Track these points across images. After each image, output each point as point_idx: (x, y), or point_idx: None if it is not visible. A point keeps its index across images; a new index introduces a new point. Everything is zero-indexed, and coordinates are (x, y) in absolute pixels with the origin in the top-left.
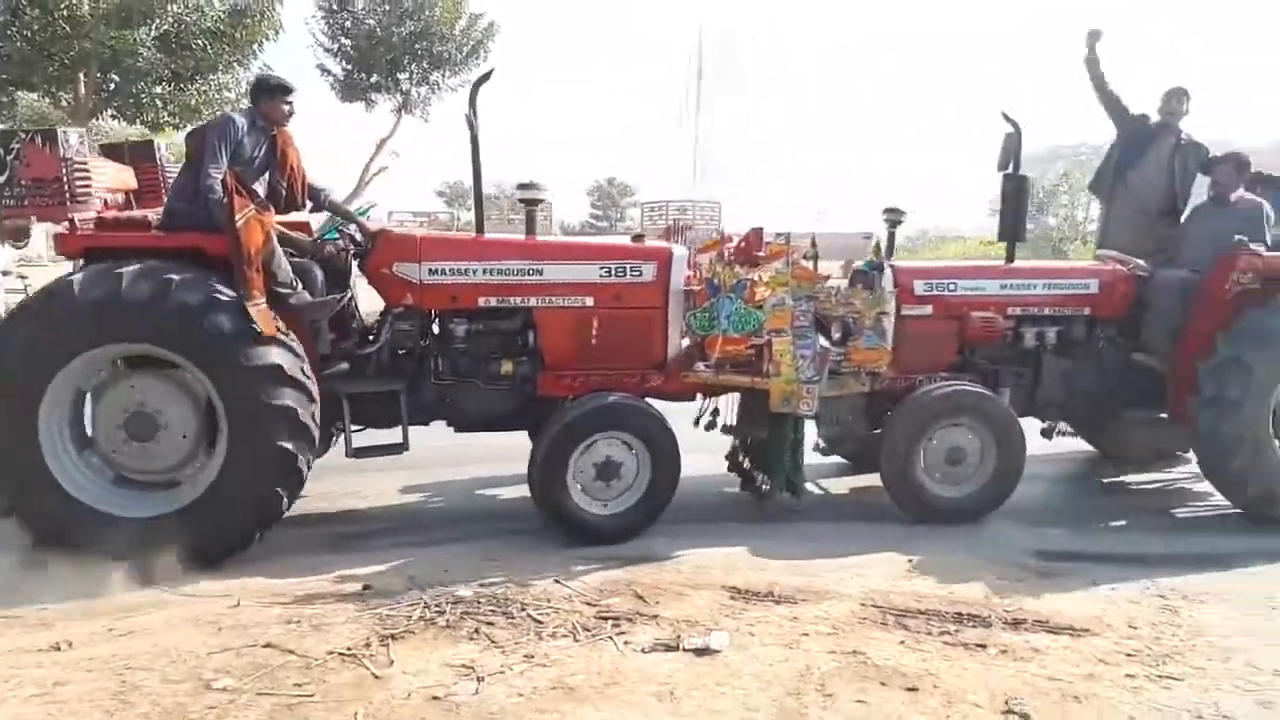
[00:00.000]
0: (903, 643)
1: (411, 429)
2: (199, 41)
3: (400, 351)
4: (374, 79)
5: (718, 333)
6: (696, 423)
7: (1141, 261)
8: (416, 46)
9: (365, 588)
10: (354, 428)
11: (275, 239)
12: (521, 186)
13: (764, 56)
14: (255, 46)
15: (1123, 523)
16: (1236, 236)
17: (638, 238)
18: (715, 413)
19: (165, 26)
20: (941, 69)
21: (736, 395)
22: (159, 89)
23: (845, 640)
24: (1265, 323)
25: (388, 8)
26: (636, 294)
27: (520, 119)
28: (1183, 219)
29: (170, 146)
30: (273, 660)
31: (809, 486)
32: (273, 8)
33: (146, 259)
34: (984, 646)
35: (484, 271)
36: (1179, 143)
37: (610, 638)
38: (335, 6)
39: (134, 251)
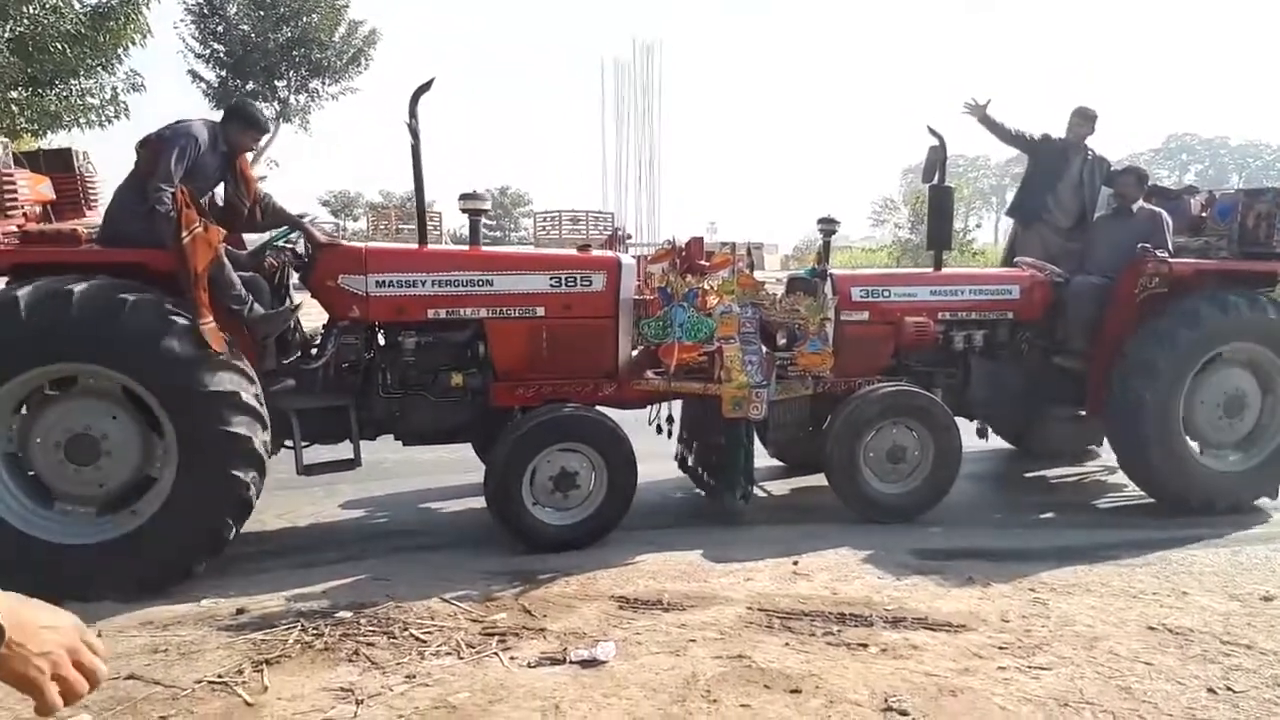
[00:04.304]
0: (787, 645)
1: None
2: (57, 45)
3: (344, 365)
4: (249, 86)
5: (672, 340)
6: (659, 430)
7: (1056, 268)
8: (294, 53)
9: (239, 612)
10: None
11: (224, 254)
12: (464, 197)
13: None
14: (120, 51)
15: (999, 518)
16: (1140, 244)
17: (583, 248)
18: (670, 419)
19: (20, 29)
20: (822, 85)
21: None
22: (14, 94)
23: (731, 645)
24: (1170, 325)
25: (262, 14)
26: (588, 303)
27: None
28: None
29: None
30: (136, 693)
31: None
32: (139, 11)
33: (84, 275)
34: (865, 645)
35: (433, 283)
36: (1085, 159)
37: (495, 653)
38: (206, 11)
39: (68, 268)
